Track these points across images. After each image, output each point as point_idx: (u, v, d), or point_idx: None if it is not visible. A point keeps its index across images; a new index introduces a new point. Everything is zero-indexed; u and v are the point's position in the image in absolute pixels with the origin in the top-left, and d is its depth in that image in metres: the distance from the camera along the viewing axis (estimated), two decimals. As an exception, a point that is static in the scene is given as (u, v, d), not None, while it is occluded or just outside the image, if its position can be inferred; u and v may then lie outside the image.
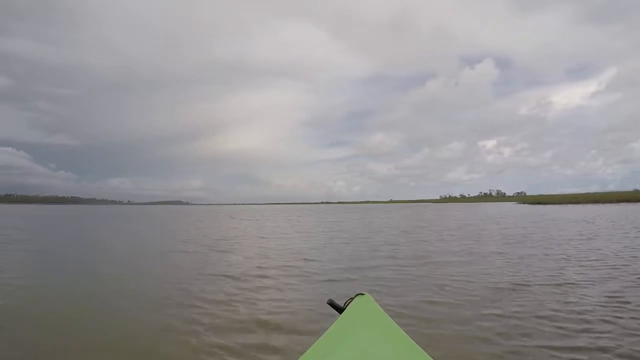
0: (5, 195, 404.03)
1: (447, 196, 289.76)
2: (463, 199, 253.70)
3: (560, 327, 3.90)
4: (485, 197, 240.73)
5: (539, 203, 77.54)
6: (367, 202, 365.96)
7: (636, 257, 8.05)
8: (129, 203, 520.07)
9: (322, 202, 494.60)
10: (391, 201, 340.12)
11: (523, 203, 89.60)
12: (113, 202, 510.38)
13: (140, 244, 12.13)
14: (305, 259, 8.55)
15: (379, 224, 21.07)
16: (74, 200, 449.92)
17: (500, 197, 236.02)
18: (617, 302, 4.73)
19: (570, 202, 71.26)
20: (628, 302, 4.69)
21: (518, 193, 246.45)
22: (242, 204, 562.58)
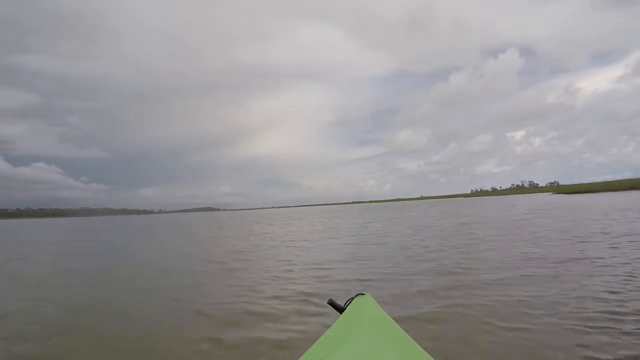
0: (39, 209, 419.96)
1: (479, 190, 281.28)
2: (495, 192, 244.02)
3: None
4: (518, 189, 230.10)
5: (575, 192, 74.54)
6: (399, 199, 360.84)
7: None
8: (160, 212, 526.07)
9: (353, 202, 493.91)
10: (422, 197, 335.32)
11: (558, 193, 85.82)
12: (145, 212, 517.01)
13: (140, 263, 10.31)
14: (325, 281, 6.24)
15: (414, 225, 17.97)
16: (106, 212, 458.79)
17: (533, 188, 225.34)
18: None
19: (607, 190, 67.65)
20: None
21: (551, 183, 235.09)
22: (274, 207, 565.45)
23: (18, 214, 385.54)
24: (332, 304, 1.78)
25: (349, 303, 1.74)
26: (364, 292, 1.80)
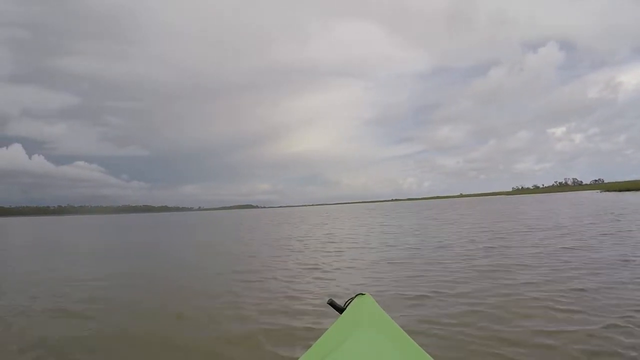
0: (80, 206, 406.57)
1: (520, 187, 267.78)
2: (537, 190, 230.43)
3: None
4: (562, 187, 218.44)
5: (626, 190, 69.54)
6: (437, 197, 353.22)
7: None
8: (200, 209, 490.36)
9: (392, 200, 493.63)
10: (461, 195, 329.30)
11: (607, 191, 79.68)
12: (185, 209, 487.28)
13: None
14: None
15: (464, 230, 13.73)
16: (147, 209, 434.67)
17: (577, 185, 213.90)
18: None
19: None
20: None
21: (595, 180, 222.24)
22: (312, 205, 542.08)
23: (59, 210, 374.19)
24: (331, 304, 1.72)
25: (349, 303, 1.69)
26: (363, 292, 1.74)
